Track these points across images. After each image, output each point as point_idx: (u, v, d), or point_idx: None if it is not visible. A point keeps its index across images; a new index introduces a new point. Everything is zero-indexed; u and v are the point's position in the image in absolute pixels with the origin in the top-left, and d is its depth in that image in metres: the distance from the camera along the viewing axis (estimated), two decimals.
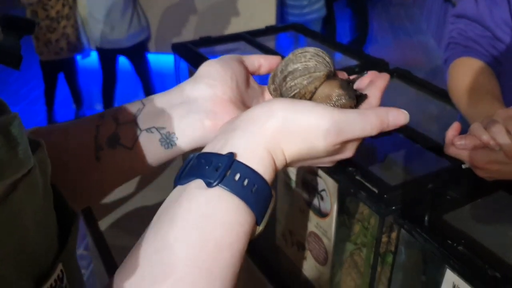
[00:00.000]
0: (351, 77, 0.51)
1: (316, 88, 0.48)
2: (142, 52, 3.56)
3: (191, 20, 3.69)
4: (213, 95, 0.51)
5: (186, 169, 0.42)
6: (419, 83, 1.05)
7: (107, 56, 3.45)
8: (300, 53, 0.49)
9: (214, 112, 0.50)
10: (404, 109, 1.03)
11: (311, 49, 0.49)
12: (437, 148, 0.82)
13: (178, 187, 0.42)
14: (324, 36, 1.38)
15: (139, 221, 1.23)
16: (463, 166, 0.74)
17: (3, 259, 0.29)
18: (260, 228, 0.42)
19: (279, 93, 0.50)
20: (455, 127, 0.73)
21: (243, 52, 1.27)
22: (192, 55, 1.17)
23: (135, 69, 3.58)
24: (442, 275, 0.63)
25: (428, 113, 1.04)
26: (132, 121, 0.51)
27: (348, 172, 0.75)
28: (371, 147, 0.88)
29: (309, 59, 0.48)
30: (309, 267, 0.91)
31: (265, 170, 0.41)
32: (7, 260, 0.29)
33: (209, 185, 0.39)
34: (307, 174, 0.84)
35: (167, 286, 0.36)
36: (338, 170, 0.76)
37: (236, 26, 3.45)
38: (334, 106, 0.46)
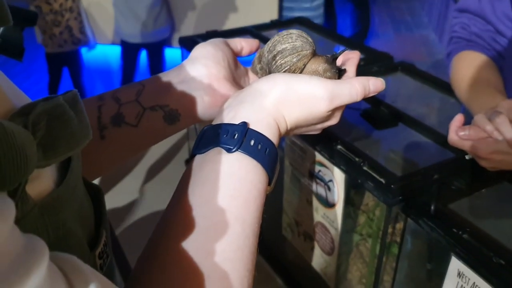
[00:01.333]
0: (335, 54, 0.57)
1: (304, 65, 0.54)
2: (163, 48, 3.56)
3: (190, 16, 3.69)
4: (209, 74, 0.56)
5: (203, 139, 0.46)
6: (423, 76, 1.07)
7: (131, 50, 3.46)
8: (286, 34, 0.55)
9: (212, 89, 0.56)
10: (409, 102, 1.05)
11: (295, 31, 0.55)
12: (442, 139, 0.84)
13: (198, 156, 0.46)
14: (329, 30, 1.39)
15: (148, 213, 1.25)
16: (467, 157, 0.75)
17: (73, 216, 0.33)
18: (270, 188, 0.47)
19: (267, 71, 0.56)
20: (458, 118, 0.74)
21: None
22: None
23: (150, 64, 3.58)
24: (447, 262, 0.65)
25: (432, 106, 1.05)
26: (134, 101, 0.55)
27: (355, 162, 0.77)
28: (377, 139, 0.90)
29: (295, 39, 0.54)
30: (316, 257, 0.93)
31: (272, 136, 0.47)
32: (76, 219, 0.33)
33: (229, 150, 0.44)
34: (314, 165, 0.85)
35: (210, 234, 0.39)
36: (345, 160, 0.78)
37: (237, 21, 3.45)
38: None
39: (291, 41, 0.53)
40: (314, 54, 0.54)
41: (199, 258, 0.38)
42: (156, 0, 3.23)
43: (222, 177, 0.42)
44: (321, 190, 0.85)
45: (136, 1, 3.19)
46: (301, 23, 1.41)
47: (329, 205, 0.84)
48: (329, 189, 0.83)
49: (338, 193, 0.81)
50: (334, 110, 0.51)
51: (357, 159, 0.77)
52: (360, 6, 4.60)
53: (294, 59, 0.53)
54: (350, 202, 0.84)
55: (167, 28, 3.47)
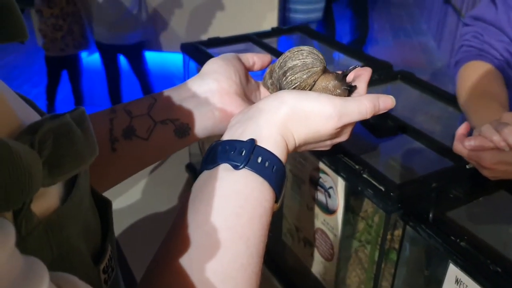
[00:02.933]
0: (346, 70, 0.58)
1: (314, 82, 0.55)
2: (141, 52, 3.58)
3: (190, 21, 3.70)
4: (220, 88, 0.57)
5: (211, 155, 0.47)
6: (422, 85, 1.08)
7: (108, 52, 3.47)
8: (297, 51, 0.56)
9: (223, 104, 0.56)
10: (408, 110, 1.06)
11: (306, 48, 0.56)
12: (441, 148, 0.85)
13: (205, 172, 0.47)
14: (329, 38, 1.41)
15: (149, 218, 1.26)
16: (468, 166, 0.77)
17: (77, 233, 0.33)
18: (277, 205, 0.48)
19: (278, 87, 0.57)
20: (464, 127, 0.76)
21: (250, 52, 1.30)
22: (201, 55, 1.20)
23: (132, 68, 3.59)
24: (445, 269, 0.66)
25: (431, 115, 1.07)
26: (146, 114, 0.56)
27: (355, 170, 0.78)
28: (377, 147, 0.91)
29: (306, 56, 0.55)
30: (315, 263, 0.94)
31: (280, 153, 0.47)
32: (79, 234, 0.34)
33: (236, 167, 0.45)
34: (315, 172, 0.87)
35: (214, 253, 0.40)
36: (345, 168, 0.79)
37: (237, 27, 3.48)
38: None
39: (302, 57, 0.54)
40: (325, 70, 0.55)
41: (202, 276, 0.39)
42: (131, 3, 3.23)
43: (228, 195, 0.43)
44: (321, 197, 0.87)
45: (109, 4, 3.20)
46: (302, 30, 1.43)
47: (329, 211, 0.85)
48: (329, 196, 0.85)
49: (339, 200, 0.83)
50: (343, 127, 0.52)
51: (357, 166, 0.78)
52: (358, 13, 4.63)
53: (304, 76, 0.54)
54: (350, 208, 0.85)
55: (144, 30, 3.47)
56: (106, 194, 1.31)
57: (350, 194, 0.83)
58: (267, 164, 0.45)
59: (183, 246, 0.41)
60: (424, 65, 4.61)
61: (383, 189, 0.74)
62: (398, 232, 0.77)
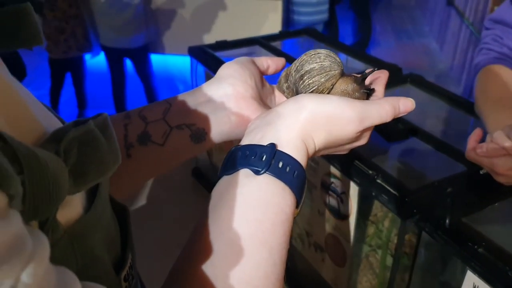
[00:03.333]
0: (364, 73, 0.57)
1: (332, 85, 0.54)
2: (147, 54, 3.57)
3: (193, 23, 3.70)
4: (236, 93, 0.56)
5: (231, 160, 0.46)
6: (432, 88, 1.08)
7: (113, 55, 3.47)
8: (314, 54, 0.55)
9: (239, 108, 0.55)
10: (419, 113, 1.05)
11: (323, 51, 0.55)
12: (452, 152, 0.85)
13: (225, 178, 0.46)
14: (336, 41, 1.40)
15: (155, 227, 1.25)
16: (481, 172, 0.76)
17: (100, 243, 0.33)
18: (297, 211, 0.47)
19: (294, 91, 0.56)
20: (477, 133, 0.75)
21: (258, 55, 1.29)
22: (208, 58, 1.19)
23: (137, 71, 3.59)
24: (462, 276, 0.65)
25: (442, 118, 1.06)
26: (161, 119, 0.55)
27: (369, 175, 0.77)
28: (388, 151, 0.91)
29: (323, 59, 0.54)
30: (326, 268, 0.94)
31: (301, 158, 0.47)
32: (101, 244, 0.33)
33: (257, 173, 0.44)
34: (327, 177, 0.86)
35: (237, 261, 0.39)
36: (358, 173, 0.79)
37: (241, 31, 3.47)
38: None
39: (319, 61, 0.53)
40: (343, 74, 0.54)
41: (226, 284, 0.38)
42: (134, 6, 3.23)
43: (249, 201, 0.42)
44: (333, 202, 0.86)
45: (114, 7, 3.19)
46: (309, 33, 1.42)
47: (342, 217, 0.85)
48: (341, 201, 0.84)
49: (351, 205, 0.82)
50: (363, 131, 0.51)
51: (370, 172, 0.78)
52: (361, 15, 4.63)
53: (322, 79, 0.53)
54: (360, 212, 0.84)
55: (148, 33, 3.47)
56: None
57: (363, 199, 0.82)
58: (288, 169, 0.45)
59: (206, 254, 0.40)
60: (426, 67, 4.60)
61: (397, 195, 0.73)
62: (408, 237, 0.76)
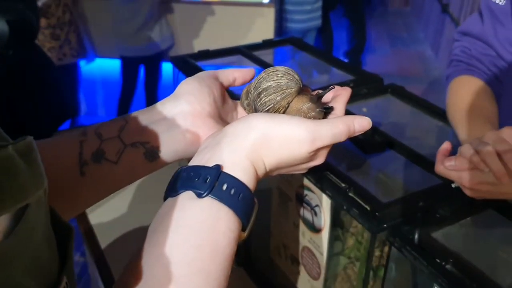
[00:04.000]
0: (318, 92, 0.56)
1: (288, 103, 0.53)
2: (159, 63, 3.57)
3: (188, 33, 3.70)
4: (193, 110, 0.55)
5: (176, 182, 0.45)
6: (413, 99, 1.07)
7: (130, 64, 3.46)
8: (272, 72, 0.54)
9: (195, 126, 0.55)
10: (397, 124, 1.04)
11: (281, 68, 0.55)
12: (428, 165, 0.84)
13: (169, 199, 0.45)
14: (320, 50, 1.40)
15: (136, 229, 1.24)
16: (453, 185, 0.75)
17: (22, 270, 0.31)
18: (245, 234, 0.46)
19: (253, 108, 0.56)
20: (445, 147, 0.74)
21: (240, 65, 1.29)
22: (190, 68, 1.19)
23: (146, 78, 3.58)
24: None
25: (420, 130, 1.05)
26: (116, 137, 0.55)
27: (341, 188, 0.77)
28: (365, 163, 0.90)
29: (280, 77, 0.53)
30: (303, 282, 0.93)
31: (248, 180, 0.46)
32: (27, 271, 0.32)
33: (199, 195, 0.43)
34: (301, 189, 0.85)
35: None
36: (331, 186, 0.78)
37: (234, 38, 3.47)
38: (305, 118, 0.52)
39: (276, 78, 0.53)
40: (300, 92, 0.54)
41: None
42: (152, 13, 3.23)
43: (190, 225, 0.41)
44: (307, 215, 0.85)
45: (129, 14, 3.19)
46: (293, 42, 1.41)
47: (316, 230, 0.84)
48: (315, 214, 0.83)
49: (325, 218, 0.81)
50: (317, 151, 0.50)
51: (343, 184, 0.77)
52: (355, 22, 4.63)
53: (278, 97, 0.52)
54: (339, 224, 0.84)
55: (163, 40, 3.46)
56: (95, 207, 1.30)
57: (337, 212, 0.81)
58: (232, 191, 0.44)
59: (140, 279, 0.39)
60: (421, 74, 4.60)
61: (368, 209, 0.72)
62: (387, 249, 0.76)
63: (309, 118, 0.52)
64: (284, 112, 0.54)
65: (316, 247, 0.85)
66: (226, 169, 0.45)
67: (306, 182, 0.83)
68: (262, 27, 3.39)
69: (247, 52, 1.28)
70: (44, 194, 0.36)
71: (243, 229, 0.45)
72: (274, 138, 0.47)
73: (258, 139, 0.47)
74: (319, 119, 0.52)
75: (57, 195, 0.53)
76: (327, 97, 0.58)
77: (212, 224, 0.42)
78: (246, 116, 0.50)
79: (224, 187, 0.43)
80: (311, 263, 0.88)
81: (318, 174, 0.80)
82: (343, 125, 0.50)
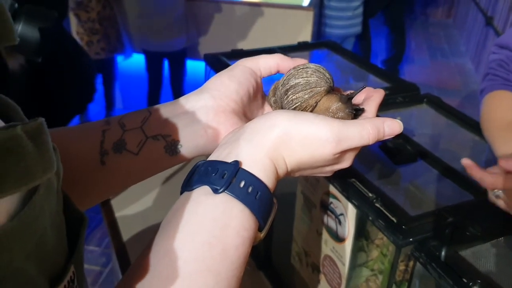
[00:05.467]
0: (349, 92, 0.54)
1: (316, 102, 0.51)
2: (184, 59, 3.59)
3: (227, 32, 3.70)
4: (216, 106, 0.53)
5: (193, 176, 0.44)
6: (449, 111, 1.04)
7: (154, 59, 3.50)
8: (302, 68, 0.52)
9: (217, 122, 0.53)
10: (431, 135, 1.01)
11: (312, 65, 0.53)
12: (461, 179, 0.81)
13: (185, 193, 0.44)
14: (357, 55, 1.37)
15: (159, 223, 1.24)
16: (494, 193, 0.71)
17: (27, 256, 0.30)
18: (261, 235, 0.44)
19: (280, 105, 0.54)
20: (468, 160, 0.72)
21: None
22: (222, 67, 1.18)
23: (171, 75, 3.61)
24: None
25: (455, 142, 1.02)
26: (138, 128, 0.54)
27: (368, 198, 0.74)
28: (394, 173, 0.87)
29: (310, 75, 0.51)
30: None
31: (267, 178, 0.44)
32: (30, 257, 0.31)
33: (215, 191, 0.41)
34: (326, 196, 0.83)
35: (176, 285, 0.37)
36: (358, 195, 0.75)
37: (270, 40, 3.46)
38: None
39: (306, 76, 0.51)
40: (330, 91, 0.51)
41: None
42: (172, 9, 3.24)
43: (203, 221, 0.40)
44: (331, 223, 0.83)
45: (155, 9, 3.21)
46: (329, 46, 1.39)
47: (339, 239, 0.81)
48: (339, 222, 0.81)
49: (349, 228, 0.79)
50: (343, 153, 0.47)
51: (370, 194, 0.74)
52: (395, 30, 4.56)
53: (306, 96, 0.50)
54: (364, 234, 0.81)
55: (188, 37, 3.48)
56: (115, 200, 1.30)
57: (363, 223, 0.78)
58: (250, 189, 0.42)
59: (147, 273, 0.38)
60: (460, 87, 4.50)
61: (395, 221, 0.70)
62: (412, 263, 0.73)
63: (337, 118, 0.49)
64: (311, 111, 0.51)
65: (339, 257, 0.83)
66: (244, 166, 0.43)
67: (332, 189, 0.81)
68: (300, 31, 3.36)
69: (281, 53, 1.26)
70: (58, 181, 0.35)
71: (260, 229, 0.44)
72: (296, 137, 0.45)
73: (279, 137, 0.45)
74: (346, 120, 0.50)
75: (77, 182, 0.53)
76: (358, 99, 0.55)
77: (225, 222, 0.40)
78: (269, 112, 0.48)
79: (242, 184, 0.42)
80: (332, 272, 0.85)
81: (344, 182, 0.78)
82: (372, 127, 0.47)
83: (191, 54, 3.71)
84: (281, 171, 0.46)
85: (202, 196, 0.42)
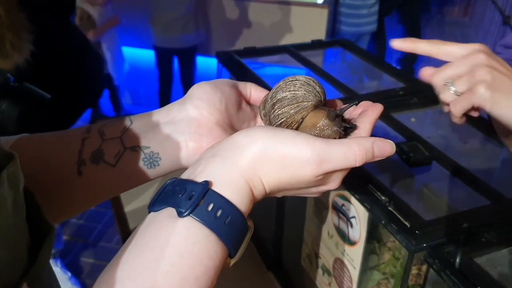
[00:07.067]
0: (342, 107, 0.51)
1: (303, 118, 0.48)
2: (193, 56, 3.58)
3: (240, 29, 3.69)
4: (199, 116, 0.50)
5: (160, 196, 0.41)
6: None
7: (164, 55, 3.49)
8: (291, 81, 0.49)
9: (199, 134, 0.50)
10: (447, 138, 0.98)
11: (302, 78, 0.49)
12: (477, 184, 0.79)
13: (151, 214, 0.41)
14: (371, 54, 1.35)
15: None
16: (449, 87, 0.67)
17: None
18: (233, 261, 0.41)
19: (268, 120, 0.50)
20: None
21: (287, 64, 1.26)
22: (234, 65, 1.17)
23: (181, 71, 3.60)
24: None
25: (471, 146, 1.00)
26: (117, 138, 0.51)
27: (380, 201, 0.72)
28: (408, 177, 0.85)
29: (298, 88, 0.48)
30: None
31: (241, 200, 0.41)
32: None
33: (180, 214, 0.38)
34: (338, 199, 0.81)
35: None
36: (370, 198, 0.74)
37: (283, 37, 3.44)
38: (318, 136, 0.45)
39: (293, 89, 0.48)
40: (318, 106, 0.48)
41: None
42: (187, 6, 3.23)
43: (162, 247, 0.37)
44: (343, 225, 0.81)
45: (166, 5, 3.20)
46: (343, 44, 1.37)
47: (350, 242, 0.80)
48: (351, 225, 0.79)
49: (361, 231, 0.77)
50: (328, 174, 0.44)
51: (383, 197, 0.73)
52: (411, 29, 4.52)
53: (292, 111, 0.47)
54: (376, 237, 0.79)
55: (198, 35, 3.47)
56: (124, 195, 1.29)
57: (374, 226, 0.77)
58: (219, 213, 0.39)
59: None
60: None
61: (408, 225, 0.68)
62: (425, 268, 0.71)
63: (323, 137, 0.46)
64: (297, 128, 0.48)
65: (349, 260, 0.81)
66: (215, 187, 0.40)
67: (344, 191, 0.79)
68: (314, 28, 3.34)
69: (294, 52, 1.25)
70: (15, 192, 0.34)
71: (230, 256, 0.40)
72: (274, 156, 0.42)
73: (256, 155, 0.42)
74: (335, 139, 0.46)
75: (54, 192, 0.51)
76: (354, 113, 0.52)
77: (188, 249, 0.37)
78: (250, 128, 0.45)
79: (210, 207, 0.38)
80: (343, 275, 0.84)
81: (356, 184, 0.76)
82: (360, 147, 0.43)
83: (204, 51, 3.70)
84: (258, 192, 0.42)
85: (165, 219, 0.39)
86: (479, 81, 0.62)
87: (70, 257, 2.42)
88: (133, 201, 1.33)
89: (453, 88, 0.64)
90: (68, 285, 2.15)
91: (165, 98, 3.64)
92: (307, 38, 1.39)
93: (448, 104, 0.67)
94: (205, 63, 3.81)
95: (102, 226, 2.64)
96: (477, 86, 0.61)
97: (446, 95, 0.66)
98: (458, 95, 0.64)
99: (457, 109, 0.65)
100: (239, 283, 1.05)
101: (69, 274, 2.20)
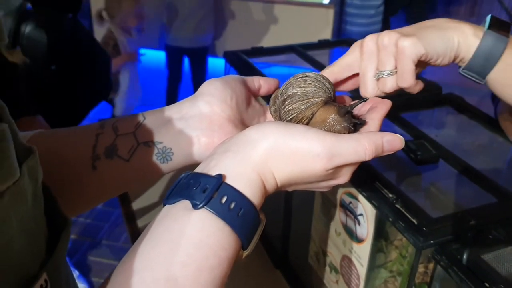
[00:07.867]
0: (352, 103, 0.51)
1: (313, 114, 0.49)
2: (205, 57, 3.59)
3: (247, 29, 3.70)
4: (211, 112, 0.52)
5: (175, 189, 0.42)
6: (472, 111, 1.02)
7: (175, 55, 3.50)
8: (301, 77, 0.50)
9: (211, 130, 0.51)
10: (454, 136, 0.99)
11: (312, 74, 0.50)
12: (484, 182, 0.79)
13: (166, 207, 0.42)
14: None
15: None
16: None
17: None
18: (246, 253, 0.42)
19: (279, 115, 0.51)
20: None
21: (293, 64, 1.26)
22: (242, 64, 1.17)
23: (192, 71, 3.61)
24: None
25: (478, 143, 1.00)
26: (131, 133, 0.52)
27: (388, 199, 0.73)
28: (415, 175, 0.86)
29: (308, 84, 0.49)
30: None
31: (253, 193, 0.42)
32: None
33: (195, 206, 0.39)
34: (346, 196, 0.82)
35: None
36: (378, 195, 0.74)
37: (290, 37, 3.44)
38: (328, 131, 0.46)
39: (304, 85, 0.49)
40: (328, 102, 0.49)
41: None
42: (201, 6, 3.24)
43: (178, 238, 0.38)
44: (350, 223, 0.82)
45: (180, 5, 3.21)
46: (349, 44, 1.37)
47: (358, 240, 0.80)
48: (359, 223, 0.80)
49: (368, 229, 0.78)
50: (338, 168, 0.45)
51: (390, 195, 0.73)
52: None
53: (302, 107, 0.48)
54: (383, 235, 0.80)
55: (210, 35, 3.48)
56: (133, 193, 1.30)
57: (382, 223, 0.77)
58: (232, 205, 0.40)
59: None
60: (483, 87, 4.42)
61: (415, 223, 0.69)
62: (432, 266, 0.71)
63: (333, 132, 0.47)
64: (307, 123, 0.49)
65: (357, 257, 0.82)
66: (229, 180, 0.41)
67: (351, 189, 0.80)
68: (320, 28, 3.35)
69: (301, 51, 1.25)
70: (35, 185, 0.34)
71: (243, 247, 0.41)
72: (285, 151, 0.43)
73: (269, 149, 0.43)
74: (343, 134, 0.47)
75: (67, 187, 0.52)
76: (363, 109, 0.53)
77: (202, 240, 0.38)
78: (261, 123, 0.46)
79: (224, 199, 0.40)
80: (350, 273, 0.84)
81: (364, 182, 0.77)
82: (369, 142, 0.44)
83: (211, 51, 3.70)
84: (270, 186, 0.44)
85: (180, 211, 0.40)
86: (394, 41, 0.56)
87: (78, 256, 2.44)
88: (142, 199, 1.34)
89: (386, 72, 0.58)
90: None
91: (172, 97, 3.64)
92: (313, 38, 1.40)
93: (407, 88, 0.61)
94: (211, 63, 3.82)
95: (109, 225, 2.65)
96: (399, 44, 0.56)
97: (390, 82, 0.58)
98: (395, 72, 0.58)
99: (405, 78, 0.59)
100: (247, 281, 1.06)
101: (77, 273, 2.22)
